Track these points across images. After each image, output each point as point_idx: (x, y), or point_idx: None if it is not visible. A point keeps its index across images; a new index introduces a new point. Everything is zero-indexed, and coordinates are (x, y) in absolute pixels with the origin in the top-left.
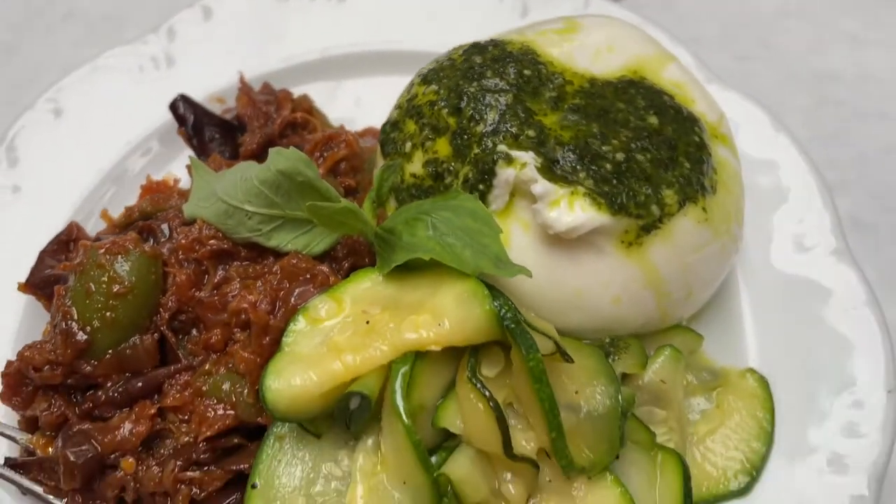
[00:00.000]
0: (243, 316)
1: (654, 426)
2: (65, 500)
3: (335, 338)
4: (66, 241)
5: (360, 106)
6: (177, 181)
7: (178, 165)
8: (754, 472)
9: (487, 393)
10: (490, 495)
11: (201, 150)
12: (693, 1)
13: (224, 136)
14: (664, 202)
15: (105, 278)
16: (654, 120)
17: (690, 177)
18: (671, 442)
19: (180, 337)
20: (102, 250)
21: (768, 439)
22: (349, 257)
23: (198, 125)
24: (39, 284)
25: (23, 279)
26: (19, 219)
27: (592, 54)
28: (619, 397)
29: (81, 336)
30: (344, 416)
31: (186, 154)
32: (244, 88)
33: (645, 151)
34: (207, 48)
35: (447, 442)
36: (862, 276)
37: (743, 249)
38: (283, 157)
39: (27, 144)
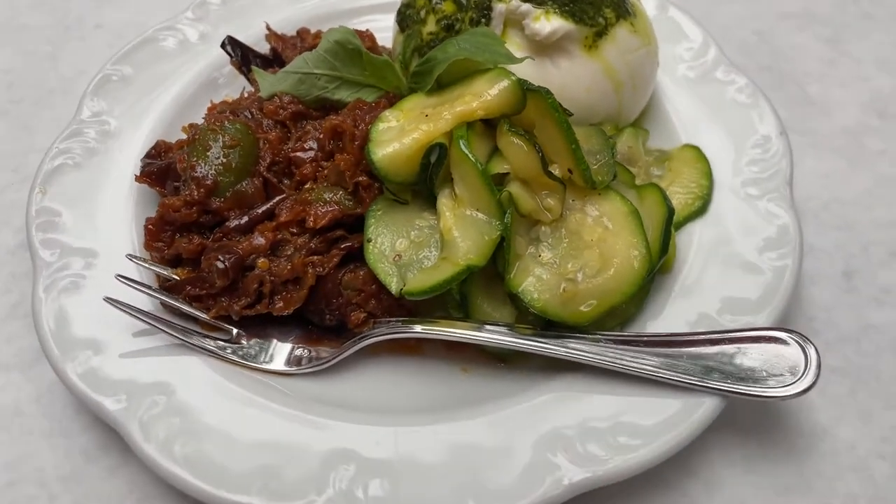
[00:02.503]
0: (331, 141)
1: None
2: (210, 310)
3: (408, 126)
4: (157, 154)
5: None
6: (237, 98)
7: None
8: (706, 196)
9: (523, 133)
10: (537, 207)
11: (250, 76)
12: None
13: (266, 65)
14: (606, 16)
15: (218, 137)
16: None
17: (618, 3)
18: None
19: (278, 181)
20: (211, 121)
21: (709, 177)
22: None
23: (244, 56)
24: (151, 174)
25: (129, 182)
26: (114, 149)
27: None
28: (608, 141)
29: (210, 178)
30: (425, 173)
31: (233, 89)
32: (271, 32)
33: None
34: (232, 17)
35: (498, 187)
36: (747, 76)
37: (661, 72)
38: (337, 31)
39: (106, 95)
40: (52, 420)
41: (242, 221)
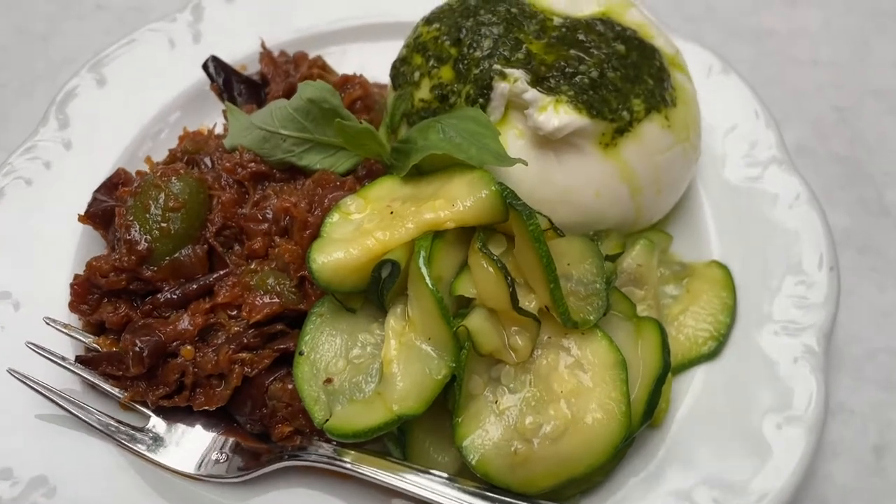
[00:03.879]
0: (285, 217)
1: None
2: (127, 391)
3: (366, 225)
4: (115, 184)
5: (365, 69)
6: (210, 131)
7: (209, 121)
8: (721, 338)
9: (495, 257)
10: (501, 346)
11: (231, 103)
12: None
13: (250, 91)
14: (633, 109)
15: (161, 196)
16: (621, 47)
17: (654, 91)
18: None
19: (226, 249)
20: (158, 173)
21: (731, 313)
22: (367, 178)
23: (227, 82)
24: (96, 215)
25: (77, 215)
26: (72, 168)
27: (568, 1)
28: (603, 266)
29: (143, 244)
30: (376, 287)
31: (216, 113)
32: (265, 52)
33: (615, 70)
34: (229, 23)
35: (462, 310)
36: (803, 181)
37: (702, 165)
38: (311, 87)
39: (75, 107)
40: None
41: (175, 296)
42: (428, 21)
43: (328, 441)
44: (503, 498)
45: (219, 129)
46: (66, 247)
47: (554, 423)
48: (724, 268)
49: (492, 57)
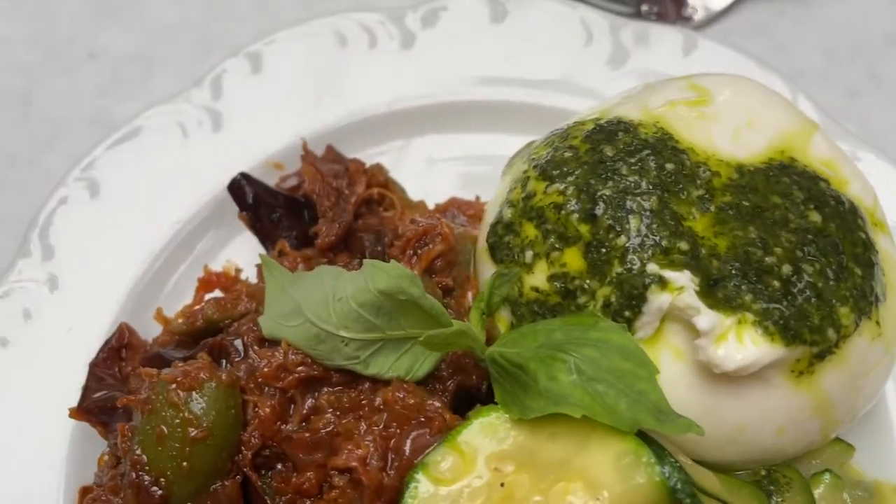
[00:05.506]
0: (354, 475)
1: None
2: None
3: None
4: (118, 348)
5: (432, 165)
6: (238, 271)
7: (236, 250)
8: None
9: None
10: None
11: (265, 235)
12: (790, 26)
13: (291, 218)
14: (840, 323)
15: (179, 420)
16: (816, 217)
17: (863, 286)
18: None
19: (263, 473)
20: (174, 385)
21: None
22: (455, 376)
23: (261, 207)
24: (93, 410)
25: (70, 394)
26: (58, 319)
27: (732, 133)
28: None
29: (156, 490)
30: None
31: (245, 235)
32: (308, 158)
33: (813, 261)
34: (258, 104)
35: None
36: None
37: None
38: (384, 274)
39: (61, 230)
40: None
41: None
42: (544, 174)
43: None
44: None
45: (246, 268)
46: (54, 436)
47: None
48: None
49: (643, 249)
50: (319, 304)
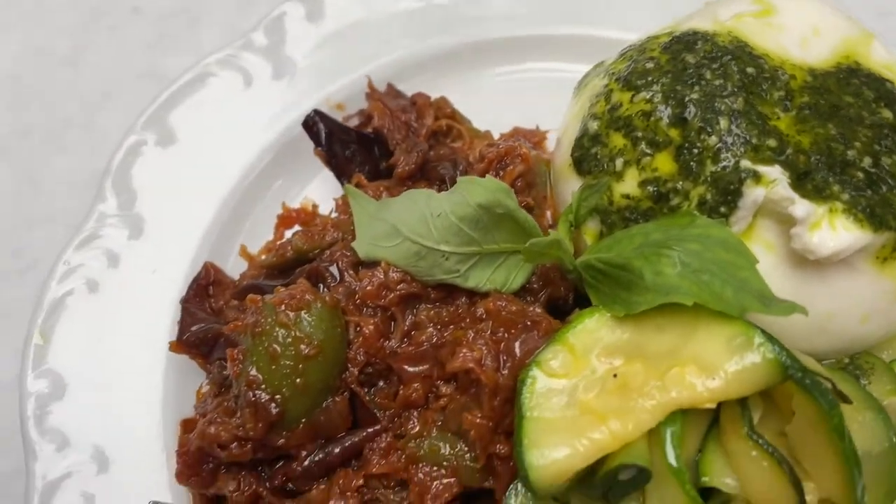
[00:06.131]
0: (472, 376)
1: None
2: None
3: (584, 398)
4: (205, 286)
5: (496, 100)
6: (315, 207)
7: (310, 190)
8: None
9: (776, 453)
10: None
11: (341, 171)
12: None
13: (363, 153)
14: None
15: (290, 339)
16: (887, 113)
17: None
18: None
19: (367, 391)
20: (282, 306)
21: None
22: (545, 288)
23: (335, 143)
24: (193, 342)
25: (163, 330)
26: (142, 262)
27: (800, 41)
28: (892, 432)
29: (273, 407)
30: (604, 487)
31: (317, 175)
32: (374, 94)
33: (890, 152)
34: (318, 45)
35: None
36: None
37: None
38: (481, 188)
39: (136, 177)
40: None
41: (315, 463)
42: (628, 84)
43: None
44: None
45: (322, 203)
46: (150, 372)
47: None
48: None
49: (734, 146)
50: (418, 222)
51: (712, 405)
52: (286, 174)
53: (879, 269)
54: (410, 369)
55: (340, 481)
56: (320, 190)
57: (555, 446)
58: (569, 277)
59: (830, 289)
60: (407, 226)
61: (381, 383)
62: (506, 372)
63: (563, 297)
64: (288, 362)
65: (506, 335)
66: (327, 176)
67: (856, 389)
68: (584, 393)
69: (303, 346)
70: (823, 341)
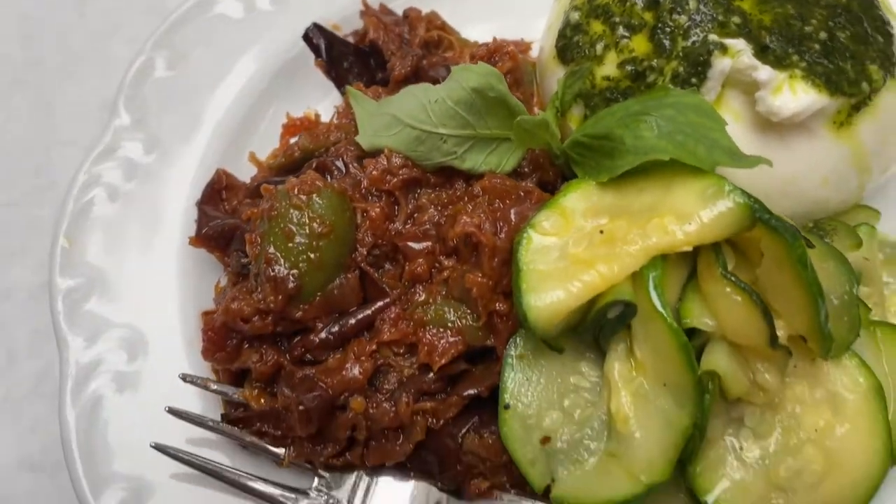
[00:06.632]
0: (472, 240)
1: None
2: (287, 449)
3: (574, 251)
4: (219, 190)
5: (483, 14)
6: (318, 115)
7: (312, 102)
8: None
9: (747, 287)
10: (749, 387)
11: (340, 81)
12: None
13: (360, 64)
14: (871, 77)
15: (305, 219)
16: None
17: (885, 50)
18: (877, 316)
19: (377, 270)
20: (295, 190)
21: None
22: (535, 172)
23: (334, 54)
24: (211, 236)
25: (180, 231)
26: (159, 171)
27: None
28: (852, 274)
29: (291, 281)
30: (595, 328)
31: (315, 87)
32: (369, 11)
33: (843, 29)
34: None
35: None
36: None
37: None
38: (474, 74)
39: (148, 95)
40: None
41: (332, 334)
42: None
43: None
44: None
45: (324, 112)
46: (171, 271)
47: (812, 467)
48: None
49: (703, 23)
50: (417, 109)
51: (689, 248)
52: (287, 91)
53: (836, 134)
54: (415, 246)
55: (355, 348)
56: (322, 103)
57: (551, 290)
58: (556, 163)
59: (793, 153)
60: (407, 113)
61: (387, 265)
62: (503, 235)
63: (551, 181)
64: (303, 240)
65: (501, 205)
66: (328, 90)
67: (819, 242)
68: (574, 247)
69: (316, 225)
70: (787, 205)
